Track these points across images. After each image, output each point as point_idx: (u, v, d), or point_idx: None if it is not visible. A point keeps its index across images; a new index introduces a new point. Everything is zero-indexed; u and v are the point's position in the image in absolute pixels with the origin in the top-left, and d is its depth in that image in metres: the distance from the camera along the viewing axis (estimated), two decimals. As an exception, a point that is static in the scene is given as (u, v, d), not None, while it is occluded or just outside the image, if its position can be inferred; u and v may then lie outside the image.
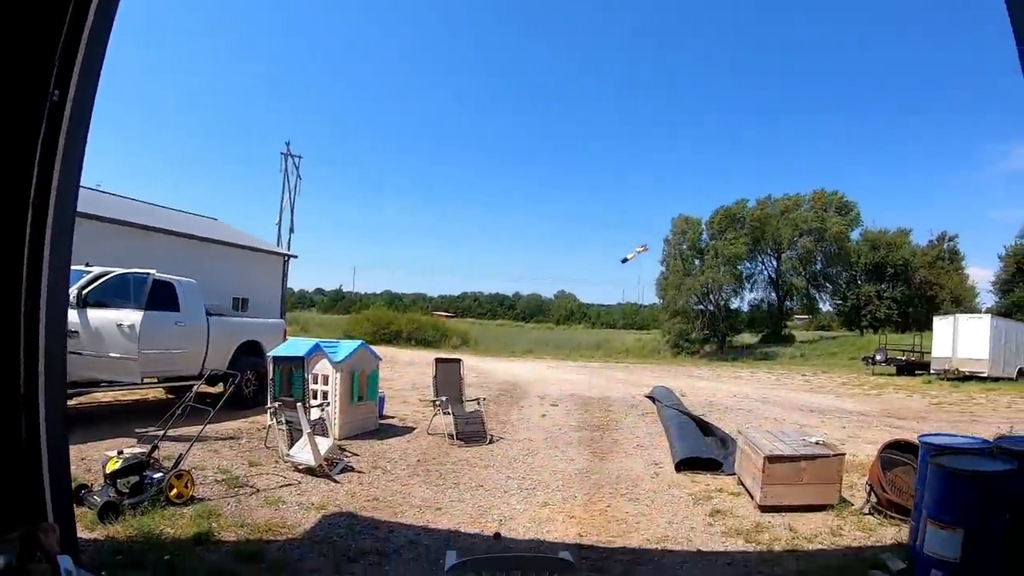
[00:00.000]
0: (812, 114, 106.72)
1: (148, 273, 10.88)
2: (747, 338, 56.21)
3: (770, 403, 18.18)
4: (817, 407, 17.67)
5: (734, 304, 55.98)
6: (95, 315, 9.73)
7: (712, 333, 52.59)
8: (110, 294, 10.30)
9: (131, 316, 10.13)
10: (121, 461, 6.57)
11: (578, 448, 10.67)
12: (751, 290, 57.85)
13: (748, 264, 56.06)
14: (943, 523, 4.90)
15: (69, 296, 4.78)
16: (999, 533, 4.78)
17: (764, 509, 7.20)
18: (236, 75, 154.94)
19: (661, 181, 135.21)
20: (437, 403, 11.19)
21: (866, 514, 7.08)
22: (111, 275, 10.42)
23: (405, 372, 21.67)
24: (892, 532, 6.59)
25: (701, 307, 53.04)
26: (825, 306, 63.46)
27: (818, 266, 57.45)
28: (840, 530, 6.67)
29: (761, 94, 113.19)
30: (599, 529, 6.71)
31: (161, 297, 11.02)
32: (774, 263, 57.17)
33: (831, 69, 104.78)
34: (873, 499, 7.16)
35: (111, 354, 9.76)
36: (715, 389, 21.51)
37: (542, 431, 12.09)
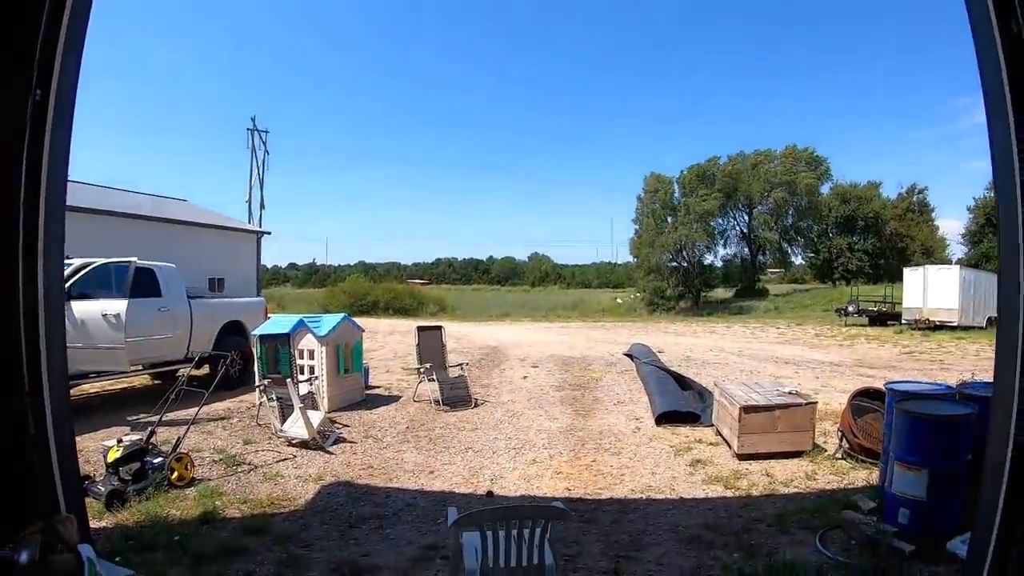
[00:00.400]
0: (786, 76, 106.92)
1: (130, 261, 10.90)
2: (721, 293, 56.93)
3: (745, 356, 18.62)
4: (791, 358, 18.15)
5: (708, 260, 56.63)
6: (80, 307, 9.80)
7: (687, 289, 53.15)
8: (93, 285, 10.35)
9: (116, 305, 10.20)
10: (121, 449, 6.73)
11: (561, 407, 10.97)
12: (724, 246, 58.51)
13: (720, 220, 56.60)
14: (909, 465, 5.23)
15: (65, 290, 4.90)
16: (961, 473, 5.12)
17: (741, 457, 7.57)
18: (198, 51, 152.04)
19: (633, 140, 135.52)
20: (421, 371, 11.44)
21: (839, 459, 7.44)
22: (93, 265, 10.45)
23: (386, 342, 21.86)
24: (863, 475, 6.95)
25: (675, 264, 53.53)
26: (798, 259, 64.35)
27: (790, 220, 58.06)
28: (814, 474, 7.04)
29: (735, 53, 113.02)
30: (586, 483, 7.02)
31: (143, 284, 11.05)
32: (746, 218, 57.73)
33: (803, 29, 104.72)
34: (845, 444, 7.52)
35: (98, 345, 9.85)
36: (692, 344, 21.95)
37: (525, 392, 12.39)
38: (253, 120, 44.58)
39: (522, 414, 10.47)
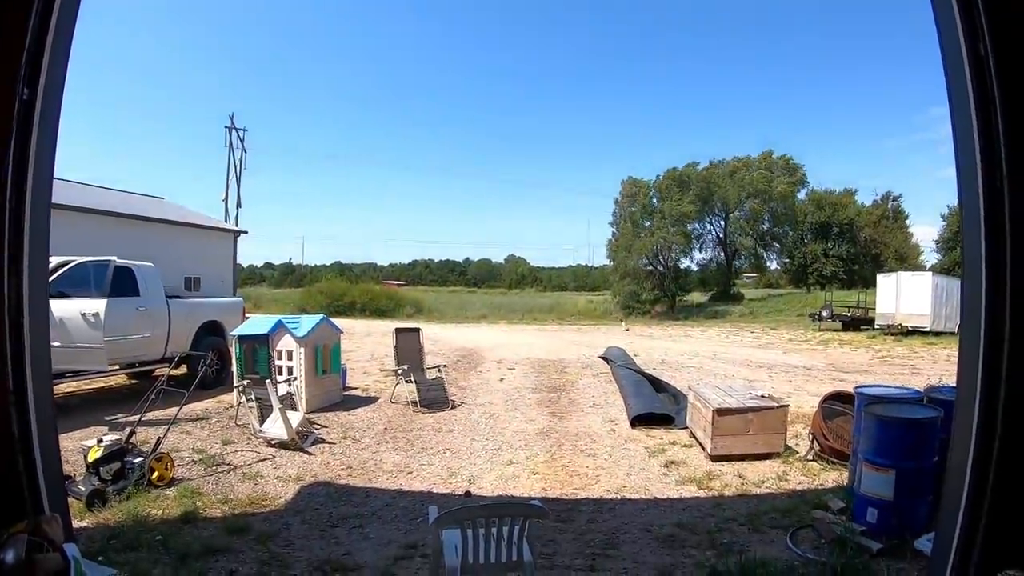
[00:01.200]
0: (763, 84, 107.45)
1: (109, 260, 10.90)
2: (697, 297, 57.35)
3: (720, 360, 18.86)
4: (765, 362, 18.41)
5: (684, 264, 56.95)
6: (59, 305, 9.75)
7: (663, 293, 53.52)
8: (72, 283, 10.30)
9: (95, 304, 10.17)
10: (101, 449, 6.73)
11: (537, 409, 11.10)
12: (700, 250, 58.88)
13: (697, 225, 56.98)
14: (878, 466, 5.42)
15: (49, 289, 4.96)
16: (928, 473, 5.31)
17: (715, 459, 7.73)
18: (176, 47, 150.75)
19: (611, 144, 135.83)
20: (399, 372, 11.52)
21: (810, 460, 7.63)
22: (72, 264, 10.42)
23: (363, 343, 21.87)
24: (834, 476, 7.13)
25: (651, 268, 53.84)
26: (773, 264, 64.87)
27: (765, 225, 58.62)
28: (786, 476, 7.21)
29: (714, 58, 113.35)
30: (562, 483, 7.15)
31: (122, 283, 11.07)
32: (722, 223, 58.18)
33: (782, 34, 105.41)
34: (816, 447, 7.70)
35: (77, 344, 9.83)
36: (667, 348, 22.17)
37: (502, 394, 12.50)
38: (231, 118, 44.15)
39: (499, 416, 10.58)
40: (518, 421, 10.18)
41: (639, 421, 9.74)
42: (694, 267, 58.92)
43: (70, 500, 5.89)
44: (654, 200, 55.72)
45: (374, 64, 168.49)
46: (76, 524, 5.52)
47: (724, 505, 6.34)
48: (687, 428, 9.07)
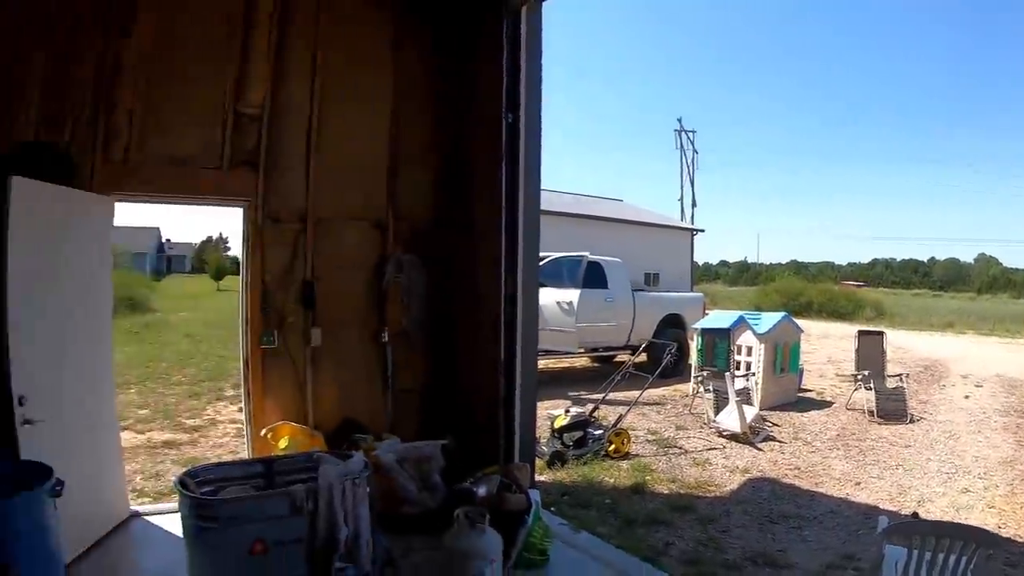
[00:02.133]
0: None
1: (582, 256, 12.12)
2: None
3: None
4: None
5: None
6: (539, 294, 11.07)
7: None
8: (550, 276, 11.63)
9: (570, 294, 11.36)
10: (568, 418, 7.55)
11: (1003, 435, 9.54)
12: None
13: None
14: None
15: (538, 279, 5.68)
16: None
17: None
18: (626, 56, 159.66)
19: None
20: (858, 377, 10.80)
21: None
22: (549, 259, 11.71)
23: (820, 345, 20.76)
24: None
25: None
26: None
27: None
28: None
29: None
30: (1020, 523, 6.09)
31: (593, 277, 12.23)
32: None
33: None
34: None
35: (552, 327, 10.96)
36: None
37: (965, 413, 10.99)
38: (679, 121, 45.38)
39: (960, 437, 9.33)
40: (980, 445, 8.87)
41: None
42: None
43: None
44: None
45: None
46: (536, 479, 6.15)
47: None
48: None
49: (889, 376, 11.05)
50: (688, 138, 45.57)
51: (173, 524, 4.32)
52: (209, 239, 65.59)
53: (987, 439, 9.31)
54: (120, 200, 4.92)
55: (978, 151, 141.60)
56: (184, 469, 4.01)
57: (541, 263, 11.23)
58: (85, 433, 4.08)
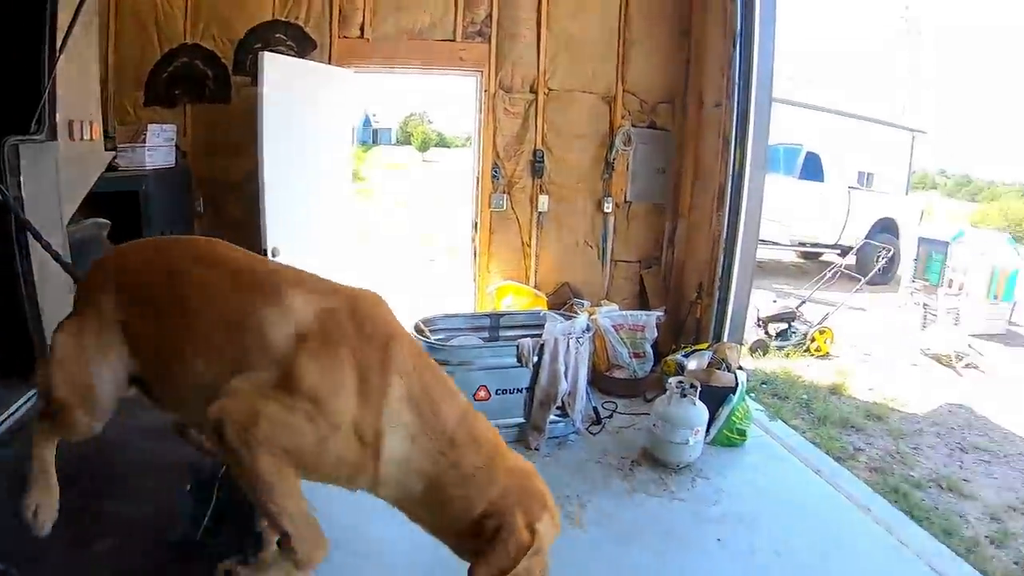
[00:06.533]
0: None
1: (800, 145, 11.60)
2: None
3: None
4: None
5: None
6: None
7: None
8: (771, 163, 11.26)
9: (786, 184, 10.98)
10: (775, 309, 7.58)
11: None
12: None
13: None
14: None
15: (767, 160, 5.62)
16: None
17: None
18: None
19: None
20: None
21: None
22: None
23: None
24: None
25: None
26: None
27: None
28: None
29: None
30: None
31: (810, 167, 11.85)
32: None
33: None
34: None
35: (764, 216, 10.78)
36: None
37: None
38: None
39: None
40: None
41: None
42: None
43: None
44: None
45: None
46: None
47: None
48: None
49: None
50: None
51: None
52: (412, 114, 67.35)
53: None
54: (359, 71, 5.39)
55: None
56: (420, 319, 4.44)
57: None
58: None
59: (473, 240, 5.66)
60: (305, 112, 4.53)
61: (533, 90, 5.60)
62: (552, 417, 4.21)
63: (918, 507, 4.50)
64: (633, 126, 5.79)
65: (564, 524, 3.35)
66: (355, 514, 2.50)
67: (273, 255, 3.62)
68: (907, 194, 24.89)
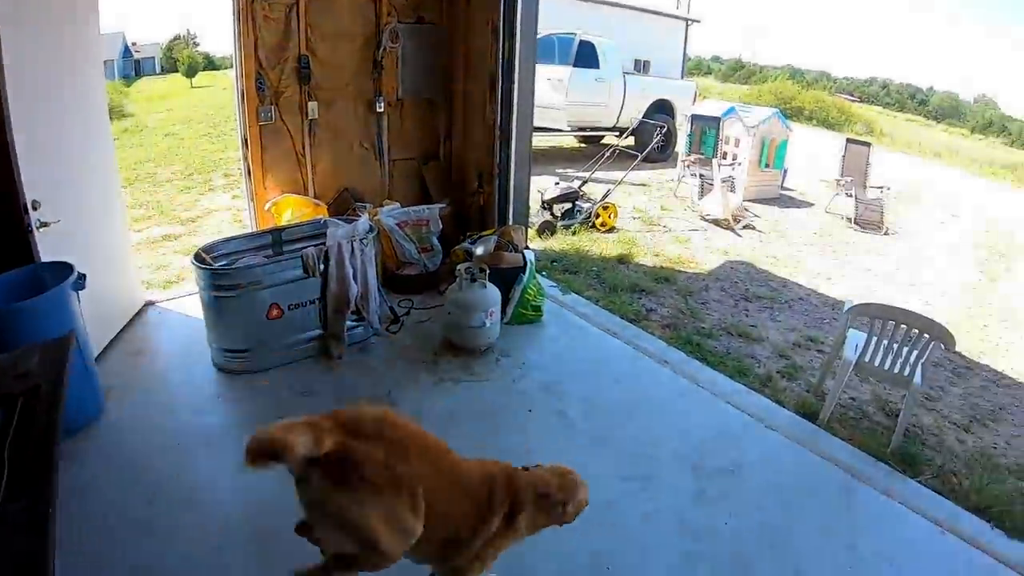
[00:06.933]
0: None
1: (574, 34, 11.83)
2: None
3: None
4: None
5: None
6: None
7: None
8: (542, 52, 11.33)
9: (561, 71, 11.24)
10: (557, 190, 7.78)
11: (971, 264, 9.83)
12: None
13: None
14: None
15: (536, 56, 5.65)
16: None
17: None
18: None
19: None
20: (840, 183, 11.04)
21: None
22: (541, 35, 11.41)
23: (806, 149, 20.86)
24: None
25: None
26: None
27: None
28: None
29: None
30: (970, 343, 6.36)
31: (585, 55, 11.99)
32: None
33: None
34: None
35: (542, 104, 10.93)
36: None
37: (938, 237, 11.34)
38: None
39: (929, 256, 9.72)
40: (947, 268, 9.19)
41: None
42: None
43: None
44: None
45: None
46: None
47: None
48: None
49: (871, 187, 11.25)
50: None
51: (185, 306, 4.69)
52: (177, 37, 62.45)
53: (955, 263, 9.59)
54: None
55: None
56: (195, 249, 4.19)
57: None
58: (97, 229, 4.17)
59: (245, 158, 5.32)
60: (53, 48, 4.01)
61: None
62: (349, 323, 4.16)
63: (712, 354, 4.89)
64: (400, 22, 5.60)
65: None
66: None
67: (33, 208, 3.25)
68: (682, 78, 26.27)
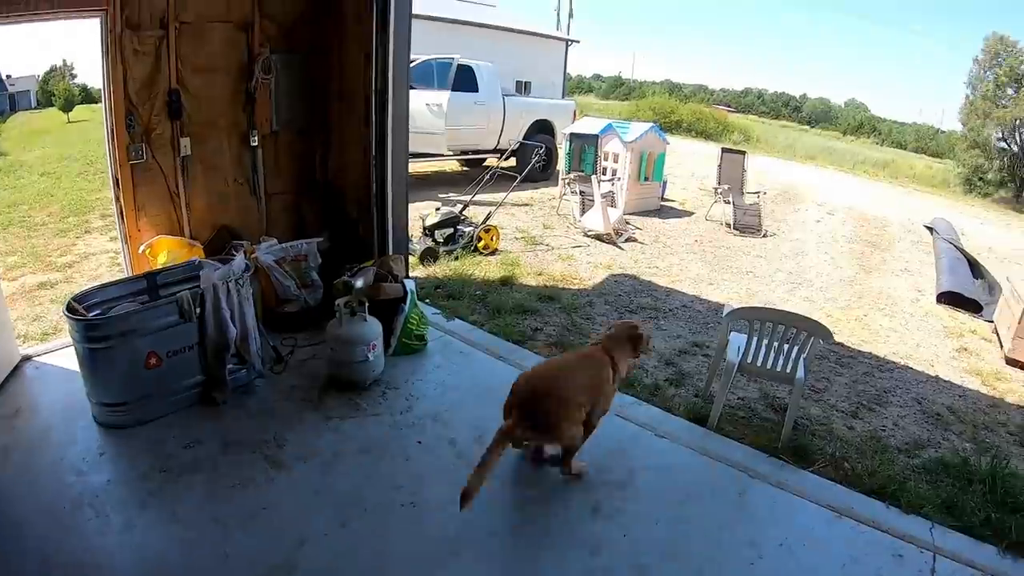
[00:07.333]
0: None
1: (452, 58, 11.99)
2: (1050, 192, 47.92)
3: None
4: None
5: None
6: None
7: (1011, 176, 44.88)
8: (421, 77, 11.55)
9: (439, 96, 11.36)
10: (439, 216, 7.88)
11: (847, 258, 10.58)
12: None
13: None
14: None
15: (410, 80, 5.68)
16: None
17: (1010, 362, 6.76)
18: None
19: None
20: (718, 191, 11.56)
21: None
22: (419, 61, 11.60)
23: (685, 160, 21.48)
24: None
25: (1004, 145, 45.22)
26: None
27: None
28: None
29: None
30: (852, 332, 6.96)
31: (464, 79, 12.17)
32: None
33: None
34: None
35: (422, 130, 11.03)
36: (999, 237, 19.03)
37: (815, 236, 12.01)
38: None
39: (807, 254, 10.31)
40: (825, 264, 9.84)
41: (945, 299, 8.78)
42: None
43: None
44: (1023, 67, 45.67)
45: None
46: (410, 274, 6.48)
47: (1001, 408, 5.65)
48: (992, 323, 8.00)
49: (748, 193, 11.84)
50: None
51: (64, 359, 4.44)
52: (54, 68, 59.43)
53: (832, 260, 10.25)
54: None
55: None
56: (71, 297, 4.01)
57: (411, 64, 11.20)
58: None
59: (118, 199, 5.13)
60: None
61: (164, 25, 5.08)
62: (231, 367, 4.09)
63: None
64: (273, 52, 5.54)
65: (267, 469, 3.44)
66: None
67: None
68: (563, 97, 26.80)
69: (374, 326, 4.31)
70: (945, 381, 6.09)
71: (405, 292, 4.84)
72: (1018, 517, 3.55)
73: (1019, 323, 6.76)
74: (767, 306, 4.59)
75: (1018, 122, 41.70)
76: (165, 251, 4.97)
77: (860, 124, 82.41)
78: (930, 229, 14.86)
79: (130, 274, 4.91)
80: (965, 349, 7.13)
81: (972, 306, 8.77)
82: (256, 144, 5.57)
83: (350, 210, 5.76)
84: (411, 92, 10.59)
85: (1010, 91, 43.51)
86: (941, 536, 3.40)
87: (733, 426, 4.37)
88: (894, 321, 7.69)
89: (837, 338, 6.62)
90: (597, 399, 3.44)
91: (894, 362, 6.33)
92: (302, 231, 5.85)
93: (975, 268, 10.81)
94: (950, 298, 8.90)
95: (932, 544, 3.32)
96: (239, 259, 4.20)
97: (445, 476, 3.44)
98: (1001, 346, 7.20)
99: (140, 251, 5.01)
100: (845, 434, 4.55)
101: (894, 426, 4.90)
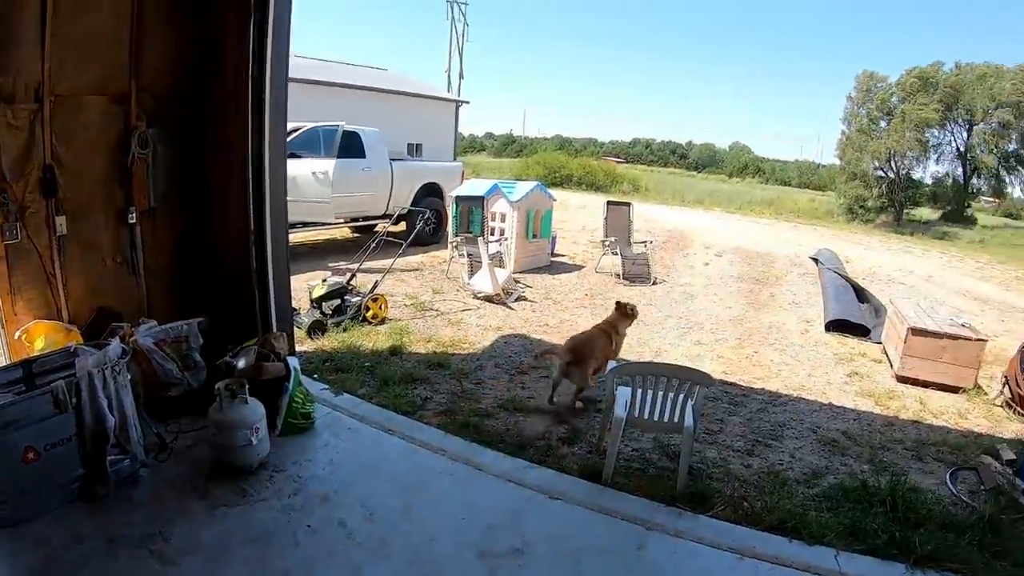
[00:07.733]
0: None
1: (337, 125, 12.07)
2: (926, 213, 52.06)
3: (934, 283, 17.23)
4: (982, 296, 16.45)
5: (916, 174, 51.15)
6: (293, 165, 10.92)
7: (890, 203, 48.73)
8: (305, 146, 11.62)
9: (325, 164, 11.40)
10: (325, 287, 7.86)
11: (736, 297, 11.16)
12: (937, 162, 52.33)
13: (936, 133, 50.58)
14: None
15: (287, 149, 5.69)
16: None
17: (900, 379, 7.41)
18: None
19: (845, 34, 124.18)
20: (606, 243, 11.99)
21: (996, 405, 6.99)
22: (304, 129, 11.63)
23: (576, 215, 21.83)
24: (1017, 427, 6.53)
25: (882, 173, 48.87)
26: (1016, 192, 56.53)
27: (1013, 145, 50.88)
28: (966, 414, 6.74)
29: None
30: (744, 370, 7.36)
31: (349, 146, 12.24)
32: (964, 136, 51.49)
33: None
34: (1007, 393, 6.99)
35: (308, 199, 11.01)
36: (881, 261, 20.50)
37: (704, 278, 12.60)
38: None
39: (697, 297, 10.82)
40: (715, 306, 10.36)
41: (834, 326, 9.47)
42: (928, 180, 52.81)
43: (294, 329, 6.89)
44: (893, 99, 49.98)
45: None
46: (298, 349, 6.46)
47: (896, 426, 6.15)
48: (881, 344, 8.71)
49: (635, 243, 12.30)
50: (460, 10, 45.41)
51: None
52: None
53: (721, 300, 10.80)
54: None
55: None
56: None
57: (296, 133, 11.24)
58: None
59: (-9, 283, 4.97)
60: None
61: (39, 98, 4.93)
62: (112, 457, 3.95)
63: (489, 433, 5.13)
64: (150, 126, 5.44)
65: (154, 565, 3.35)
66: None
67: None
68: (455, 158, 27.20)
69: (256, 408, 4.27)
70: (839, 407, 6.52)
71: (288, 371, 4.82)
72: (921, 532, 3.80)
73: (904, 342, 7.32)
74: (648, 360, 4.85)
75: (892, 152, 45.18)
76: (42, 336, 4.78)
77: (745, 165, 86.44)
78: (815, 260, 15.76)
79: (7, 362, 4.71)
80: (856, 373, 7.65)
81: (860, 331, 9.39)
82: (134, 221, 5.42)
83: (232, 287, 5.63)
84: (297, 161, 10.79)
85: (883, 123, 47.01)
86: (847, 562, 3.59)
87: (628, 478, 4.49)
88: (785, 355, 8.15)
89: (729, 378, 7.02)
90: (607, 357, 5.92)
91: (787, 395, 6.70)
92: (184, 309, 5.70)
93: (860, 293, 11.57)
94: (838, 325, 9.52)
95: (839, 571, 3.50)
96: (114, 344, 4.10)
97: (335, 560, 3.44)
98: (891, 365, 7.82)
99: (16, 337, 4.81)
100: (742, 473, 4.74)
101: (791, 458, 5.14)
